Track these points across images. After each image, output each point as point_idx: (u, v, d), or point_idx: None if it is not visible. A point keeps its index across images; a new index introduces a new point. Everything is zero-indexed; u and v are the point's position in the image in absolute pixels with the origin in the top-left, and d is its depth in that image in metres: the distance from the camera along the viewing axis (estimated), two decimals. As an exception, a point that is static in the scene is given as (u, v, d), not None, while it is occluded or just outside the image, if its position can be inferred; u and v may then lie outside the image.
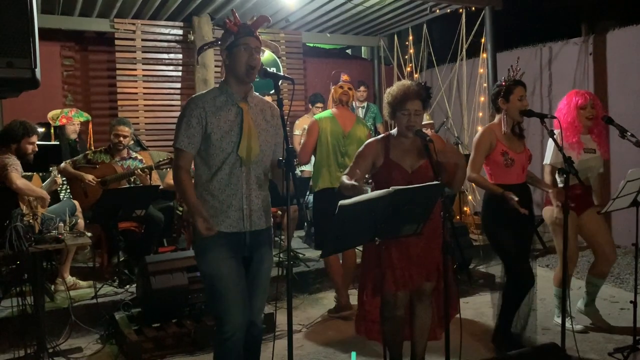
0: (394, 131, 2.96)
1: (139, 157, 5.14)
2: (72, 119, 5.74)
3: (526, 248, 3.41)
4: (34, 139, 4.09)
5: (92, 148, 6.09)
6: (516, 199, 3.11)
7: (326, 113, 4.27)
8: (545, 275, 5.29)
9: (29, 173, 4.27)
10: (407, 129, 2.84)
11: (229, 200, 2.47)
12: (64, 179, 4.89)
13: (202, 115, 2.44)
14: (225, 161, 2.46)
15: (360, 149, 2.98)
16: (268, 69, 2.52)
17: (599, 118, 3.69)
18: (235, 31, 2.47)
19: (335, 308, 4.23)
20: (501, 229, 3.33)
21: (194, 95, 2.55)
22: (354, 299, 3.65)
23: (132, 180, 4.90)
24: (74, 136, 5.79)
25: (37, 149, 4.11)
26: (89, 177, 4.73)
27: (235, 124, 2.47)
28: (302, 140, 6.59)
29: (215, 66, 7.03)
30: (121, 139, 4.91)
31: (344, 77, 4.36)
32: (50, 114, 5.72)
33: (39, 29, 1.91)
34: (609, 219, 6.14)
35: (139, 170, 4.81)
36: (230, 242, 2.49)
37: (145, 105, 6.94)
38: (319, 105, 6.76)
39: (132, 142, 5.49)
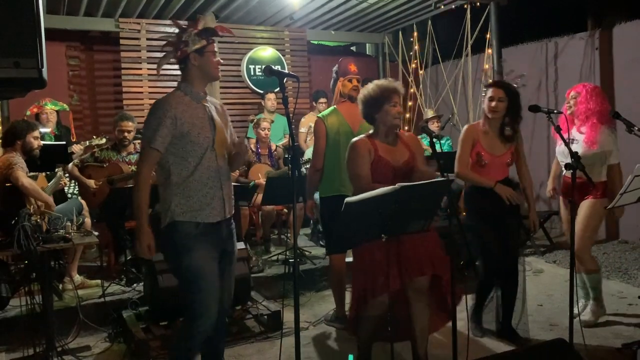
0: (371, 132, 3.07)
1: None
2: (43, 108, 5.48)
3: (506, 243, 3.43)
4: (37, 133, 4.12)
5: (75, 138, 6.01)
6: (508, 191, 3.32)
7: (330, 110, 3.88)
8: (552, 271, 5.28)
9: (35, 173, 4.29)
10: (396, 118, 2.97)
11: (212, 192, 2.58)
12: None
13: (176, 116, 2.51)
14: (203, 156, 2.56)
15: (355, 150, 2.98)
16: (273, 66, 2.52)
17: (584, 110, 3.69)
18: (216, 34, 2.58)
19: (331, 317, 4.05)
20: (482, 223, 3.44)
21: (160, 99, 2.60)
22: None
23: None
24: (50, 126, 5.48)
25: (41, 144, 4.13)
26: (91, 182, 4.77)
27: (206, 120, 2.59)
28: (307, 139, 6.65)
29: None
30: (126, 134, 4.94)
31: (352, 67, 3.89)
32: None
33: (44, 29, 1.91)
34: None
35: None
36: (212, 236, 2.59)
37: (150, 105, 6.90)
38: (322, 100, 6.75)
39: None
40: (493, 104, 3.36)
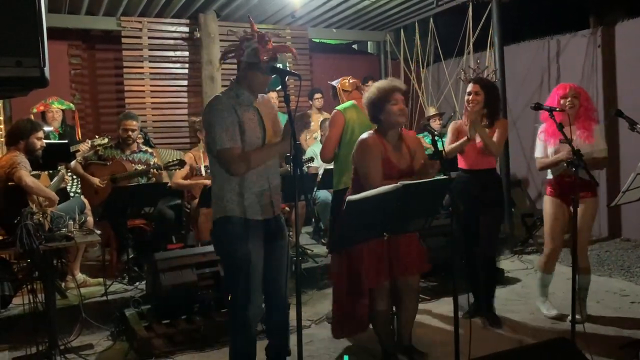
0: (377, 128, 3.12)
1: (149, 150, 5.18)
2: (50, 106, 5.46)
3: (471, 231, 3.77)
4: (41, 134, 4.12)
5: (80, 137, 6.03)
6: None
7: (348, 103, 3.83)
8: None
9: (37, 172, 4.29)
10: (400, 116, 3.03)
11: (261, 191, 2.70)
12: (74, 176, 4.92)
13: (236, 112, 2.61)
14: None
15: (367, 149, 3.00)
16: (275, 65, 2.52)
17: (585, 109, 3.72)
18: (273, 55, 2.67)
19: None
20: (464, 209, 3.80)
21: (215, 97, 2.68)
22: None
23: (149, 174, 4.95)
24: (55, 124, 5.47)
25: (44, 145, 4.14)
26: (96, 180, 4.78)
27: (256, 122, 2.70)
28: (307, 137, 6.64)
29: (222, 63, 7.02)
30: (129, 133, 4.95)
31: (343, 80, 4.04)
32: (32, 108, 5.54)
33: (46, 27, 1.91)
34: (619, 212, 6.11)
35: (154, 170, 4.89)
36: (260, 232, 2.72)
37: (152, 103, 6.96)
38: (317, 96, 6.79)
39: (142, 139, 5.49)
40: (470, 97, 3.73)
